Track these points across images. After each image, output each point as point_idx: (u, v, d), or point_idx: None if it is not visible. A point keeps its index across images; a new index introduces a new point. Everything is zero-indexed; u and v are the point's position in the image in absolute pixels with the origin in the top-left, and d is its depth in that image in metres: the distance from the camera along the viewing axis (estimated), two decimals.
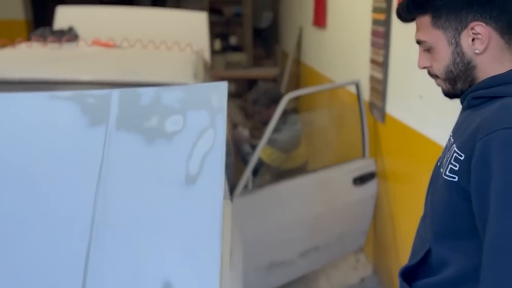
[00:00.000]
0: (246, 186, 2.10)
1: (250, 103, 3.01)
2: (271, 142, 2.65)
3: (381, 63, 2.54)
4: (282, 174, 2.75)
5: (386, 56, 2.48)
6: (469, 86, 1.04)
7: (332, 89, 3.35)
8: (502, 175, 0.86)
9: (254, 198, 2.10)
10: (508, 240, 0.85)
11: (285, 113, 2.88)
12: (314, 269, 2.57)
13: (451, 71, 1.04)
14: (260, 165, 2.44)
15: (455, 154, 0.98)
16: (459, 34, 1.01)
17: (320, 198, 2.38)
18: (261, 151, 2.61)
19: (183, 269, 1.01)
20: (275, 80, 5.73)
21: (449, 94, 1.09)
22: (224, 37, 6.22)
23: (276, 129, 2.70)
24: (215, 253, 1.00)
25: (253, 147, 2.58)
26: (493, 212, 0.88)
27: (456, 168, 0.97)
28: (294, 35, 5.07)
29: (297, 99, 5.03)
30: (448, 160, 1.01)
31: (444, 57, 1.04)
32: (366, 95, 2.76)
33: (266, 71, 6.02)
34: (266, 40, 6.68)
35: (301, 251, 2.35)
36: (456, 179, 0.98)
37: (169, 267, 1.01)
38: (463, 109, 1.09)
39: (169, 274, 1.00)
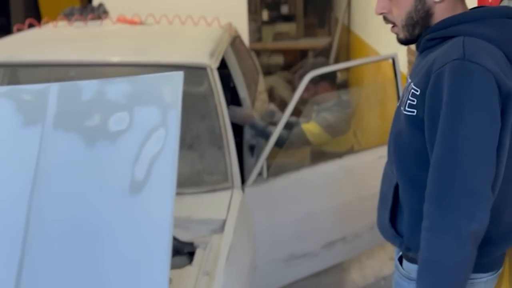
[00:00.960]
0: (260, 174, 1.96)
1: (298, 78, 2.82)
2: (319, 121, 2.48)
3: None
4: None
5: None
6: (420, 35, 1.11)
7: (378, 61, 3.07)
8: (449, 99, 0.98)
9: (269, 187, 1.96)
10: (450, 156, 0.98)
11: (338, 90, 2.69)
12: (341, 261, 2.41)
13: (412, 17, 1.10)
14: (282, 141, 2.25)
15: (412, 90, 1.06)
16: None
17: (348, 185, 2.19)
18: (306, 125, 2.45)
19: (128, 286, 0.89)
20: (327, 50, 5.44)
21: (405, 41, 1.14)
22: (274, 6, 5.98)
23: (327, 109, 2.52)
24: (163, 269, 0.88)
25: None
26: (439, 133, 0.99)
27: (414, 103, 1.05)
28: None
29: (347, 70, 4.73)
30: (406, 97, 1.08)
31: (406, 4, 1.10)
32: (404, 68, 2.48)
33: (316, 42, 5.73)
34: (320, 7, 6.35)
35: (325, 243, 2.19)
36: (414, 113, 1.05)
37: (111, 284, 0.90)
38: (419, 53, 1.14)
39: None
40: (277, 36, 5.73)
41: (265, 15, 5.65)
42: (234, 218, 1.71)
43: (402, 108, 1.09)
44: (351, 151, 2.62)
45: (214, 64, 2.05)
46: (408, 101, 1.06)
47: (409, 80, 1.11)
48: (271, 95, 4.21)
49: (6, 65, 2.13)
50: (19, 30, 2.62)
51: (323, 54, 5.37)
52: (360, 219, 2.24)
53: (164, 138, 0.94)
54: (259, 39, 5.61)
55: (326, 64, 2.91)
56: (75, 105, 0.98)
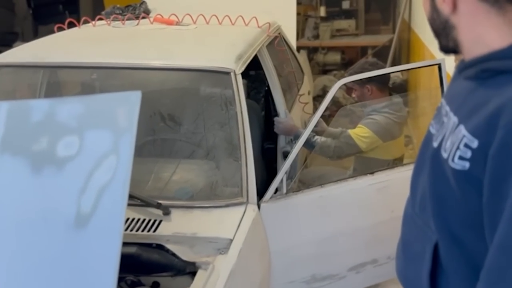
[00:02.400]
0: (279, 190, 1.82)
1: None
2: (368, 123, 2.31)
3: None
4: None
5: None
6: (455, 46, 0.92)
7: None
8: None
9: (289, 204, 1.82)
10: None
11: (390, 94, 2.51)
12: (371, 284, 2.21)
13: (431, 25, 0.95)
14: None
15: (465, 139, 0.83)
16: None
17: (380, 204, 1.99)
18: (352, 130, 2.29)
19: None
20: (388, 48, 5.13)
21: (443, 50, 0.96)
22: (335, 1, 5.74)
23: (376, 111, 2.35)
24: None
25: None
26: (509, 209, 0.77)
27: (468, 156, 0.83)
28: None
29: (407, 71, 4.43)
30: (455, 144, 0.86)
31: (426, 10, 0.94)
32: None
33: (377, 39, 5.43)
34: (384, 2, 6.02)
35: (352, 265, 2.01)
36: (466, 167, 0.83)
37: None
38: (466, 78, 0.91)
39: None
40: (335, 33, 5.50)
41: (322, 11, 5.43)
42: (243, 237, 1.59)
43: (444, 155, 0.87)
44: (401, 160, 2.42)
45: (238, 69, 1.93)
46: (459, 152, 0.84)
47: (453, 115, 0.90)
48: (323, 95, 4.03)
49: (39, 66, 2.14)
50: (59, 29, 2.65)
51: (383, 52, 5.08)
52: (394, 241, 2.03)
53: (115, 167, 0.84)
54: (316, 36, 5.41)
55: (376, 65, 2.70)
56: (24, 126, 0.90)
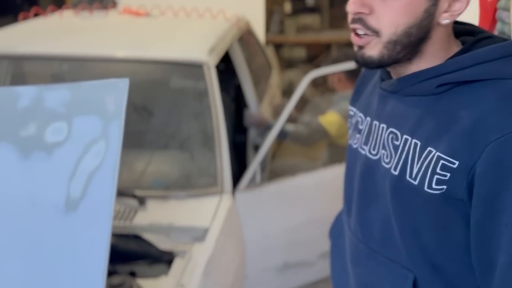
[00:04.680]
0: (253, 179, 1.86)
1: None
2: (338, 109, 2.37)
3: None
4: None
5: None
6: (406, 60, 0.82)
7: None
8: None
9: (263, 193, 1.86)
10: None
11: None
12: None
13: (411, 34, 0.79)
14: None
15: (442, 162, 0.76)
16: None
17: None
18: (322, 117, 2.35)
19: None
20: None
21: (377, 63, 0.81)
22: None
23: (345, 98, 2.41)
24: None
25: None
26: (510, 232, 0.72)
27: (446, 178, 0.76)
28: None
29: None
30: (429, 169, 0.78)
31: (413, 12, 0.78)
32: None
33: (341, 34, 5.53)
34: None
35: (323, 252, 2.08)
36: (444, 190, 0.77)
37: None
38: (410, 95, 0.83)
39: None
40: (300, 29, 5.57)
41: (287, 7, 5.49)
42: (219, 226, 1.62)
43: (414, 182, 0.78)
44: None
45: (212, 61, 1.96)
46: (436, 176, 0.76)
47: (401, 136, 0.82)
48: (290, 89, 4.09)
49: (3, 57, 2.09)
50: (24, 19, 2.59)
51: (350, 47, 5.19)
52: None
53: (104, 152, 0.86)
54: (282, 32, 5.47)
55: (349, 57, 2.77)
56: (11, 112, 0.90)
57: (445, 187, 0.76)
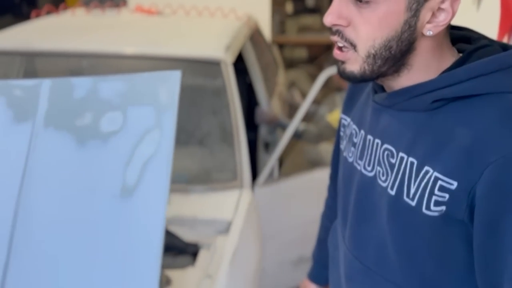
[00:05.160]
0: (271, 175, 1.90)
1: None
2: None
3: None
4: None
5: None
6: (393, 72, 0.77)
7: None
8: None
9: (280, 188, 1.90)
10: None
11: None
12: None
13: (391, 47, 0.74)
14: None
15: (439, 182, 0.71)
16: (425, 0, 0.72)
17: None
18: (329, 115, 2.39)
19: None
20: None
21: (359, 78, 0.77)
22: None
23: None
24: (153, 276, 0.83)
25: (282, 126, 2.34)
26: None
27: (445, 199, 0.72)
28: None
29: None
30: (426, 189, 0.73)
31: (391, 25, 0.73)
32: None
33: None
34: None
35: None
36: (444, 211, 0.72)
37: None
38: (404, 110, 0.78)
39: None
40: (302, 29, 5.63)
41: (289, 7, 5.54)
42: (241, 219, 1.65)
43: (411, 203, 0.75)
44: None
45: (229, 59, 1.99)
46: (434, 197, 0.72)
47: (395, 153, 0.78)
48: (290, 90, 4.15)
49: (17, 53, 2.11)
50: (37, 16, 2.61)
51: None
52: None
53: (158, 141, 0.89)
54: (283, 32, 5.52)
55: None
56: (67, 103, 0.93)
57: (444, 208, 0.72)
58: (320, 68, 5.24)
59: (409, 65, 0.76)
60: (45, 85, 0.92)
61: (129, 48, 2.04)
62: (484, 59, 0.74)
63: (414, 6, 0.72)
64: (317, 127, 2.49)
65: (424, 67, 0.76)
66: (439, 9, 0.72)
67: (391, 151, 0.79)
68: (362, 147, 0.86)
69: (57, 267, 0.87)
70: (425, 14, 0.73)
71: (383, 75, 0.77)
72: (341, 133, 0.98)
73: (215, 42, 2.12)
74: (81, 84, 0.93)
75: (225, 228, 1.63)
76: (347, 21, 0.74)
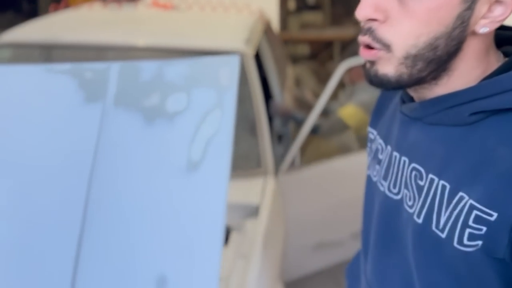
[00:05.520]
0: (293, 162, 1.97)
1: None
2: (355, 101, 2.50)
3: None
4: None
5: None
6: (431, 79, 0.65)
7: None
8: None
9: (302, 175, 1.98)
10: None
11: None
12: None
13: (437, 47, 0.63)
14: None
15: (475, 212, 0.61)
16: None
17: None
18: (341, 109, 2.47)
19: (180, 264, 0.92)
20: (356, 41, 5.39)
21: (394, 84, 0.66)
22: None
23: (362, 88, 2.54)
24: (216, 248, 0.90)
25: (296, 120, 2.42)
26: None
27: (482, 232, 0.61)
28: None
29: None
30: (459, 220, 0.62)
31: (442, 19, 0.61)
32: None
33: (343, 31, 5.68)
34: None
35: (354, 232, 2.20)
36: (480, 246, 0.61)
37: (165, 261, 0.93)
38: (436, 124, 0.67)
39: (165, 269, 0.92)
40: (303, 26, 5.71)
41: (291, 4, 5.62)
42: (268, 204, 1.73)
43: (441, 234, 0.64)
44: None
45: (250, 51, 2.06)
46: (468, 230, 0.62)
47: (424, 174, 0.68)
48: (297, 85, 4.23)
49: (41, 45, 2.17)
50: (55, 11, 2.66)
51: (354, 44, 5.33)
52: None
53: (220, 120, 0.96)
54: (285, 28, 5.59)
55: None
56: (135, 84, 1.00)
57: (480, 242, 0.61)
58: (322, 64, 5.33)
59: (451, 70, 0.65)
60: (114, 68, 0.99)
61: (153, 41, 2.11)
62: None
63: None
64: (329, 121, 2.57)
65: (466, 73, 0.65)
66: (497, 1, 0.62)
67: (420, 172, 0.69)
68: (388, 165, 0.76)
69: (129, 241, 0.94)
70: (481, 7, 0.62)
71: (421, 81, 0.66)
72: (368, 150, 0.88)
73: (235, 35, 2.19)
74: (147, 68, 1.00)
75: (254, 212, 1.70)
76: (384, 15, 0.63)
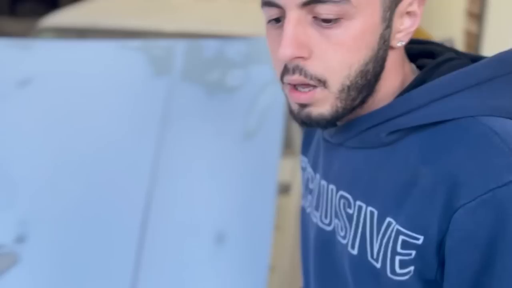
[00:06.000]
0: None
1: None
2: None
3: (477, 15, 2.30)
4: None
5: (483, 6, 2.24)
6: (360, 103, 0.60)
7: None
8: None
9: None
10: None
11: None
12: None
13: (367, 72, 0.58)
14: None
15: (401, 237, 0.57)
16: (396, 4, 0.58)
17: None
18: None
19: (237, 222, 1.03)
20: None
21: (330, 121, 0.60)
22: None
23: None
24: (270, 206, 1.01)
25: None
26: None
27: (412, 257, 0.57)
28: None
29: None
30: (389, 247, 0.59)
31: (368, 43, 0.57)
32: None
33: None
34: None
35: None
36: (411, 272, 0.58)
37: (223, 219, 1.04)
38: (357, 148, 0.64)
39: (223, 227, 1.03)
40: None
41: None
42: (298, 182, 1.84)
43: (376, 265, 0.60)
44: None
45: None
46: (398, 258, 0.58)
47: (352, 201, 0.63)
48: None
49: (80, 30, 2.28)
50: None
51: None
52: None
53: (274, 94, 1.07)
54: None
55: None
56: (198, 61, 1.11)
57: (412, 268, 0.58)
58: None
59: (376, 91, 0.61)
60: (180, 45, 1.10)
61: (189, 26, 2.21)
62: (447, 75, 0.59)
63: (388, 14, 0.58)
64: None
65: (387, 90, 0.62)
66: (407, 13, 0.60)
67: (348, 200, 0.64)
68: (318, 195, 0.71)
69: (191, 201, 1.05)
70: (396, 22, 0.59)
71: (352, 110, 0.61)
72: (301, 179, 0.81)
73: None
74: (210, 46, 1.11)
75: (284, 190, 1.81)
76: (309, 51, 0.57)
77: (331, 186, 0.67)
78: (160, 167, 1.04)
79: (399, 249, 0.58)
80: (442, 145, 0.57)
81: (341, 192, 0.66)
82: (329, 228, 0.69)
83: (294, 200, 1.74)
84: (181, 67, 1.11)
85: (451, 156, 0.55)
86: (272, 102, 1.08)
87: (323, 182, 0.70)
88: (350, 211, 0.64)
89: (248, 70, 1.11)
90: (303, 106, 0.60)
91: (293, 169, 1.93)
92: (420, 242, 0.56)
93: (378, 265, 0.60)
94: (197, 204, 1.05)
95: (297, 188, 1.80)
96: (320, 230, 0.71)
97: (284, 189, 1.83)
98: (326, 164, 0.70)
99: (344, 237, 0.66)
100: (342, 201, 0.66)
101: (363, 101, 0.61)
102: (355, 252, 0.63)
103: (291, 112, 0.62)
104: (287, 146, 2.01)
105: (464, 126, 0.56)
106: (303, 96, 0.59)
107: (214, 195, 1.06)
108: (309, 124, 0.61)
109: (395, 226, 0.58)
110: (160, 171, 1.04)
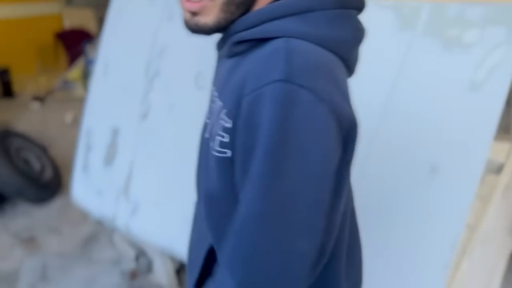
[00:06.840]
0: None
1: None
2: None
3: None
4: None
5: None
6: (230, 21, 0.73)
7: None
8: (266, 141, 0.63)
9: None
10: (250, 229, 0.64)
11: None
12: None
13: None
14: None
15: (221, 122, 0.70)
16: None
17: None
18: None
19: (451, 156, 1.21)
20: None
21: (212, 29, 0.73)
22: None
23: None
24: (484, 145, 1.16)
25: None
26: (251, 179, 0.65)
27: (227, 140, 0.69)
28: None
29: None
30: (215, 129, 0.72)
31: None
32: None
33: None
34: None
35: None
36: (227, 154, 0.70)
37: (438, 153, 1.23)
38: (227, 57, 0.76)
39: (437, 159, 1.22)
40: None
41: None
42: None
43: (210, 144, 0.74)
44: None
45: None
46: (218, 138, 0.70)
47: (216, 99, 0.76)
48: None
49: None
50: None
51: None
52: None
53: (505, 53, 1.19)
54: None
55: None
56: (441, 20, 1.30)
57: (227, 151, 0.70)
58: None
59: (251, 9, 0.73)
60: (426, 6, 1.30)
61: None
62: (278, 2, 0.71)
63: None
64: None
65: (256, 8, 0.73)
66: None
67: (215, 98, 0.77)
68: (210, 103, 0.83)
69: (411, 134, 1.24)
70: None
71: (232, 22, 0.73)
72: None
73: None
74: (453, 7, 1.29)
75: (497, 169, 1.86)
76: None
77: (215, 93, 0.80)
78: (393, 104, 1.27)
79: (219, 132, 0.71)
80: (258, 54, 0.69)
81: (215, 93, 0.78)
82: (207, 121, 0.83)
83: (504, 179, 1.77)
84: (424, 24, 1.31)
85: (253, 62, 0.68)
86: (502, 60, 1.21)
87: (213, 89, 0.82)
88: (213, 105, 0.78)
89: (484, 30, 1.25)
90: (193, 14, 0.73)
91: (508, 152, 1.94)
92: (230, 126, 0.69)
93: (211, 143, 0.74)
94: (413, 138, 1.25)
95: (509, 169, 1.82)
96: (204, 139, 0.84)
97: (496, 169, 1.86)
98: (216, 74, 0.84)
99: (208, 127, 0.79)
100: (215, 99, 0.78)
101: (240, 16, 0.73)
102: (207, 135, 0.78)
103: (184, 21, 0.75)
104: (505, 131, 2.01)
105: (276, 43, 0.68)
106: (194, 5, 0.72)
107: (430, 132, 1.24)
108: (196, 30, 0.75)
109: (222, 113, 0.71)
110: (392, 106, 1.27)
